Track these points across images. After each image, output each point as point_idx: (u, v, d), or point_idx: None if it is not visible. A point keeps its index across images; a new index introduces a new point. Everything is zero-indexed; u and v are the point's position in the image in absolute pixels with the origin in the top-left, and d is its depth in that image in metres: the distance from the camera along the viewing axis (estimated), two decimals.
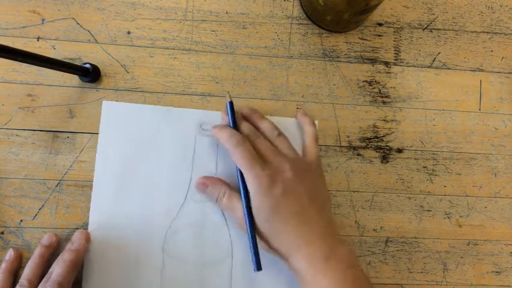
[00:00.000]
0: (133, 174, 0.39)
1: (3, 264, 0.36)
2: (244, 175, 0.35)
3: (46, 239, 0.37)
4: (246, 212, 0.35)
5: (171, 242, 0.38)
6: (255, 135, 0.37)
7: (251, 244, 0.34)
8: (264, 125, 0.39)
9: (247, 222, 0.35)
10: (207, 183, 0.38)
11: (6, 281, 0.35)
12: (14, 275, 0.36)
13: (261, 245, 0.35)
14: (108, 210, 0.38)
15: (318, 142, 0.40)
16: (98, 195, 0.38)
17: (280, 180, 0.34)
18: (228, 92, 0.38)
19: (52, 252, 0.37)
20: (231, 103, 0.38)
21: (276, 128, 0.39)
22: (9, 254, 0.37)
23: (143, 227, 0.38)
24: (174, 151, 0.39)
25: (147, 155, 0.39)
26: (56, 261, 0.35)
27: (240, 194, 0.36)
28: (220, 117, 0.40)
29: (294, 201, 0.34)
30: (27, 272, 0.35)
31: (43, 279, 0.34)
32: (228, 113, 0.38)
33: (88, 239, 0.37)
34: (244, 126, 0.38)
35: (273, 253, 0.35)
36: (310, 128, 0.40)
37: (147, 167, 0.39)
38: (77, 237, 0.36)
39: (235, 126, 0.37)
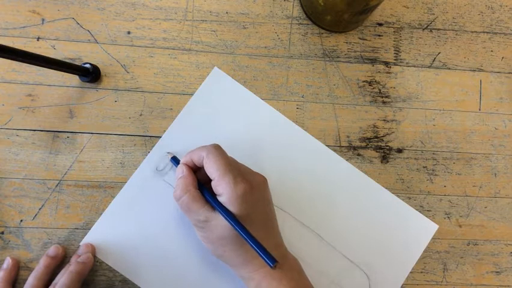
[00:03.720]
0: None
1: (1, 273, 0.35)
2: (219, 180, 0.31)
3: (52, 250, 0.36)
4: (234, 224, 0.32)
5: None
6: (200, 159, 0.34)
7: (255, 246, 0.31)
8: (194, 155, 0.35)
9: (243, 232, 0.32)
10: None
11: None
12: (12, 284, 0.36)
13: (218, 252, 0.33)
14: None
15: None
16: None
17: (253, 187, 0.32)
18: (168, 153, 0.38)
19: (57, 264, 0.36)
20: (174, 157, 0.38)
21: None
22: (7, 262, 0.36)
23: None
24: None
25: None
26: (61, 271, 0.35)
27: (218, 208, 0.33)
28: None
29: (263, 209, 0.34)
30: (31, 281, 0.34)
31: None
32: (179, 164, 0.36)
33: (93, 252, 0.37)
34: (187, 158, 0.35)
35: (224, 260, 0.34)
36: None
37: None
38: (83, 251, 0.36)
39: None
